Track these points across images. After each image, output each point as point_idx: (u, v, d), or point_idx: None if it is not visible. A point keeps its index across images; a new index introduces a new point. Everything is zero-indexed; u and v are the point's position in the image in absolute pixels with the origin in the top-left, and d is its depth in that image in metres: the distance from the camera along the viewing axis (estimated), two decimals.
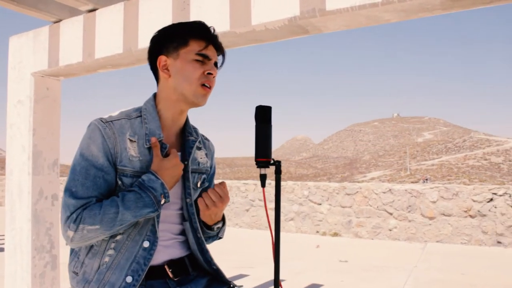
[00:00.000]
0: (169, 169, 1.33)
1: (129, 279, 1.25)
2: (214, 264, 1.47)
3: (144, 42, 3.11)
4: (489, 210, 6.93)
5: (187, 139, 1.47)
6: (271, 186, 8.25)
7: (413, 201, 7.93)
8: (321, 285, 4.64)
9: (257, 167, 1.30)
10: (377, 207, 8.50)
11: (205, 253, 1.46)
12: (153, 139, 1.34)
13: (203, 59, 1.37)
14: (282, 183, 9.86)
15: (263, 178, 1.33)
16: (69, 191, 1.25)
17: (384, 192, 8.44)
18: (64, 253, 4.37)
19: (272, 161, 1.30)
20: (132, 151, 1.31)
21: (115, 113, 1.35)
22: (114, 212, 1.23)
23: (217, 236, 1.55)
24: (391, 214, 8.22)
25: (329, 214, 9.09)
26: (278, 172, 1.32)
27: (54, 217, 3.81)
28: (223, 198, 1.37)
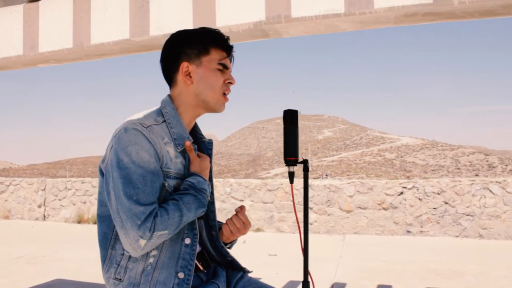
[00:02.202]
0: (206, 169, 1.41)
1: (181, 275, 1.30)
2: (230, 256, 1.55)
3: (98, 38, 3.02)
4: (400, 203, 7.60)
5: (201, 140, 1.52)
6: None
7: (332, 196, 8.42)
8: (259, 278, 4.80)
9: (286, 165, 1.39)
10: (298, 202, 8.90)
11: (220, 248, 1.53)
12: (188, 143, 1.38)
13: (223, 68, 1.43)
14: None
15: (291, 175, 1.43)
16: (132, 199, 1.23)
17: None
18: None
19: (300, 160, 1.40)
20: (171, 154, 1.34)
21: (139, 116, 1.34)
22: (179, 216, 1.28)
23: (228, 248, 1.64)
24: (311, 208, 8.66)
25: (252, 210, 9.32)
26: (306, 170, 1.43)
27: None
28: (246, 224, 1.49)
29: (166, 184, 1.33)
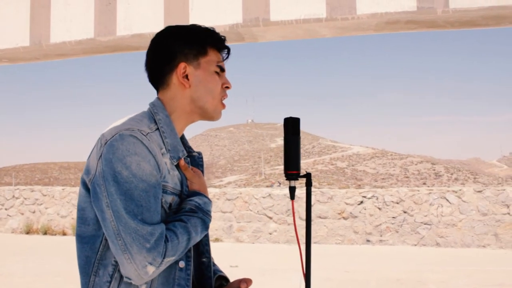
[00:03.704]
0: (206, 187, 1.27)
1: None
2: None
3: (58, 37, 2.79)
4: (360, 212, 7.66)
5: (191, 154, 1.36)
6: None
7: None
8: None
9: (287, 179, 1.26)
10: (257, 211, 8.78)
11: (206, 279, 1.36)
12: (182, 162, 1.22)
13: (220, 71, 1.29)
14: None
15: (292, 190, 1.30)
16: (137, 219, 1.06)
17: (264, 197, 8.75)
18: None
19: (302, 173, 1.28)
20: (168, 166, 1.17)
21: (132, 122, 1.15)
22: (187, 239, 1.13)
23: None
24: (271, 218, 8.56)
25: None
26: (309, 184, 1.30)
27: None
28: None
29: (163, 200, 1.15)
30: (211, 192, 9.29)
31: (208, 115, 1.28)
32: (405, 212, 7.37)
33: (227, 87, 1.30)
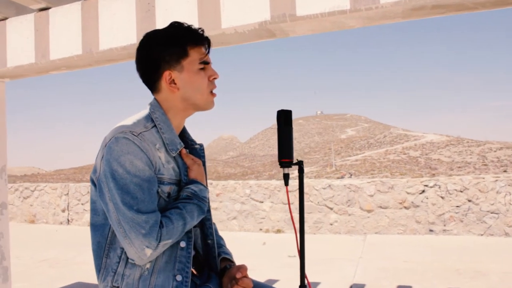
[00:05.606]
0: (203, 175, 1.41)
1: (179, 277, 1.30)
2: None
3: (106, 44, 3.04)
4: (422, 201, 7.45)
5: (193, 147, 1.51)
6: (212, 186, 8.22)
7: (352, 196, 8.32)
8: (277, 280, 4.77)
9: (281, 167, 1.37)
10: (318, 202, 8.82)
11: (212, 259, 1.51)
12: (184, 151, 1.38)
13: (204, 65, 1.39)
14: (223, 182, 9.92)
15: (286, 177, 1.40)
16: (133, 209, 1.22)
17: (324, 188, 8.78)
18: (13, 263, 4.12)
19: (295, 161, 1.37)
20: (163, 160, 1.33)
21: (128, 123, 1.32)
22: (182, 224, 1.29)
23: None
24: (331, 208, 8.57)
25: (272, 212, 9.29)
26: (301, 171, 1.40)
27: (3, 227, 3.61)
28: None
29: (160, 190, 1.31)
30: (272, 184, 9.45)
31: (201, 108, 1.42)
32: (469, 200, 7.06)
33: (215, 78, 1.41)
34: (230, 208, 9.61)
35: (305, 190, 8.97)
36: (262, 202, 9.39)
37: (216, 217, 9.23)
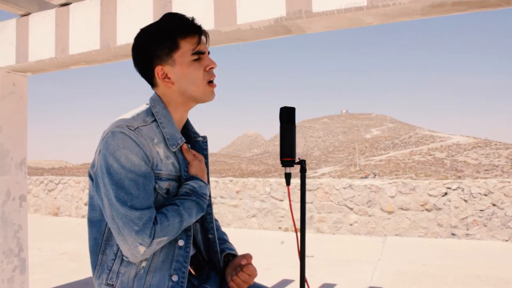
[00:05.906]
0: (204, 171, 1.38)
1: (175, 278, 1.27)
2: (221, 266, 1.50)
3: (123, 39, 3.06)
4: (444, 204, 7.28)
5: (196, 139, 1.48)
6: (214, 182, 8.23)
7: (373, 196, 8.20)
8: (292, 280, 4.73)
9: (282, 166, 1.34)
10: (338, 202, 8.73)
11: (213, 253, 1.48)
12: (185, 146, 1.36)
13: (199, 55, 1.34)
14: (244, 179, 9.92)
15: (287, 176, 1.37)
16: (126, 205, 1.19)
17: (344, 188, 8.68)
18: (34, 255, 4.21)
19: (297, 160, 1.34)
20: (161, 155, 1.30)
21: (127, 117, 1.30)
22: (179, 221, 1.25)
23: None
24: (351, 209, 8.47)
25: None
26: (303, 171, 1.36)
27: (22, 219, 3.67)
28: (252, 276, 1.42)
29: (157, 186, 1.28)
30: (293, 182, 9.40)
31: (200, 100, 1.38)
32: (494, 204, 6.86)
33: (211, 68, 1.35)
34: (249, 206, 9.60)
35: (326, 189, 8.89)
36: (282, 200, 9.36)
37: (236, 214, 9.23)
